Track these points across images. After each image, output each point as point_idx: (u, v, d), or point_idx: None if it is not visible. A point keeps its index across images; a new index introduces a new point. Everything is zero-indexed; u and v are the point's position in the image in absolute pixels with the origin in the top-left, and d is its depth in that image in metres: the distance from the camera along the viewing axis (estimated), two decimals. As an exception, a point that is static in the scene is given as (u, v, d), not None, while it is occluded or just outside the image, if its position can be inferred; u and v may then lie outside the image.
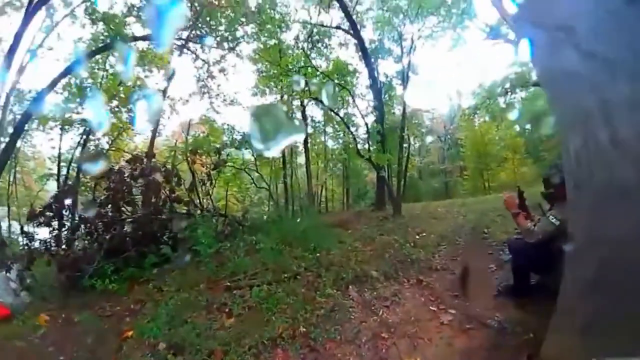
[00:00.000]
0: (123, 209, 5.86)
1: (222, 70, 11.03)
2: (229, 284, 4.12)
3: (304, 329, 2.92)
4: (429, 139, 17.68)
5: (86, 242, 5.62)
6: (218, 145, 9.30)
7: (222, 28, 10.34)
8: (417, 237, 5.41)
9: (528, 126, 15.27)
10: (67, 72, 8.58)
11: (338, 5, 9.07)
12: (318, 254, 4.67)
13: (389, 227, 6.30)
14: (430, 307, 3.17)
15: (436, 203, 10.63)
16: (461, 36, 11.39)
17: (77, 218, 5.88)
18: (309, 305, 3.31)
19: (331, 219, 8.24)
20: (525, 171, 13.95)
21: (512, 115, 13.52)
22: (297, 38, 10.81)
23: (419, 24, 10.60)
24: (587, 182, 1.61)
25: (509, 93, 11.83)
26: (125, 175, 5.94)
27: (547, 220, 2.59)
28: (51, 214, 5.56)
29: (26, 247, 5.40)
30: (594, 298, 1.60)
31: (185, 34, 10.09)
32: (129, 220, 5.82)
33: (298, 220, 7.07)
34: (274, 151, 0.89)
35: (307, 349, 2.73)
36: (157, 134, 10.41)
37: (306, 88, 9.17)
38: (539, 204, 2.98)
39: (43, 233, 5.51)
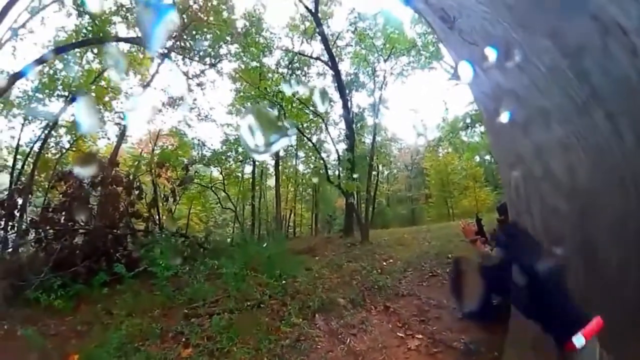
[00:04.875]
0: (77, 218, 5.37)
1: (200, 85, 10.87)
2: (186, 311, 3.86)
3: (267, 361, 2.77)
4: (396, 168, 18.38)
5: (34, 249, 5.12)
6: (186, 160, 8.99)
7: (206, 43, 10.31)
8: (384, 263, 5.44)
9: (487, 157, 16.43)
10: (43, 60, 8.02)
11: (320, 38, 9.49)
12: (284, 281, 4.53)
13: (356, 254, 6.29)
14: (398, 333, 3.16)
15: (403, 229, 10.85)
16: (428, 75, 12.30)
17: (26, 221, 5.35)
18: (273, 335, 3.17)
19: (299, 245, 8.12)
20: (485, 198, 14.74)
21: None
22: (278, 63, 11.09)
23: (391, 62, 11.46)
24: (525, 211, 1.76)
25: (469, 127, 12.72)
26: (85, 181, 5.48)
27: None
28: (1, 212, 5.03)
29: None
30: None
31: (169, 44, 9.88)
32: (82, 231, 5.34)
33: (264, 245, 6.82)
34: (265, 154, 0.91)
35: (270, 382, 2.58)
36: (122, 141, 9.83)
37: (282, 112, 9.28)
38: (494, 229, 3.10)
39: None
